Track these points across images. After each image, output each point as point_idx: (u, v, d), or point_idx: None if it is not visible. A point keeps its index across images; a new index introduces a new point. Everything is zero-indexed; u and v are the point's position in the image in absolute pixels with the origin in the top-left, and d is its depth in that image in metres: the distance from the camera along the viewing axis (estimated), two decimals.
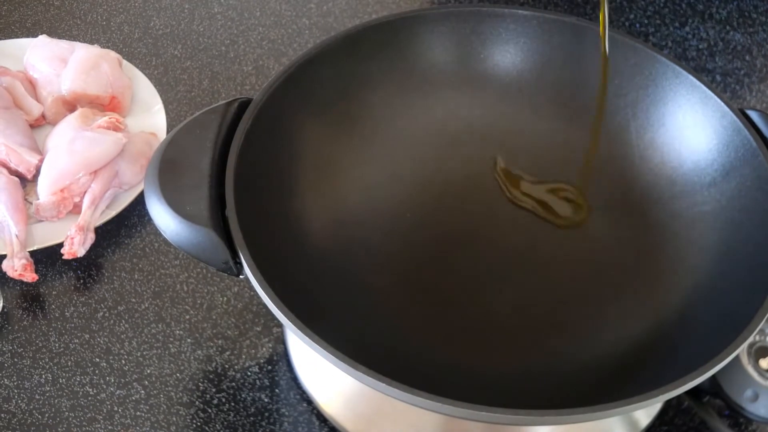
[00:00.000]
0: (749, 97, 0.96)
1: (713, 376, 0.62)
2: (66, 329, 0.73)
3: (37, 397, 0.69)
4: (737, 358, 0.65)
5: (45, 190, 0.78)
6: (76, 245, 0.75)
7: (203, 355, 0.72)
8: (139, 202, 0.80)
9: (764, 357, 0.65)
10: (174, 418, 0.68)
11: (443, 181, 0.75)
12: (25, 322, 0.74)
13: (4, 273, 0.74)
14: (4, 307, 0.74)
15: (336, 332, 0.58)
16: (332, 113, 0.73)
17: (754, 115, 0.67)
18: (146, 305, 0.75)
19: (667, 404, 0.70)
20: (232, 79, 0.95)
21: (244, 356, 0.72)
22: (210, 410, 0.69)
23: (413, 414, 0.64)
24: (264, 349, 0.73)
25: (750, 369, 0.65)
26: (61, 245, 0.76)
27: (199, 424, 0.68)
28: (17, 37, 0.97)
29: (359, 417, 0.67)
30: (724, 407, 0.66)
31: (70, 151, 0.78)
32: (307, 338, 0.53)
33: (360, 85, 0.74)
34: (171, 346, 0.73)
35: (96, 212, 0.78)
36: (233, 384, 0.70)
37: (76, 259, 0.77)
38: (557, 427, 0.66)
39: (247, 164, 0.62)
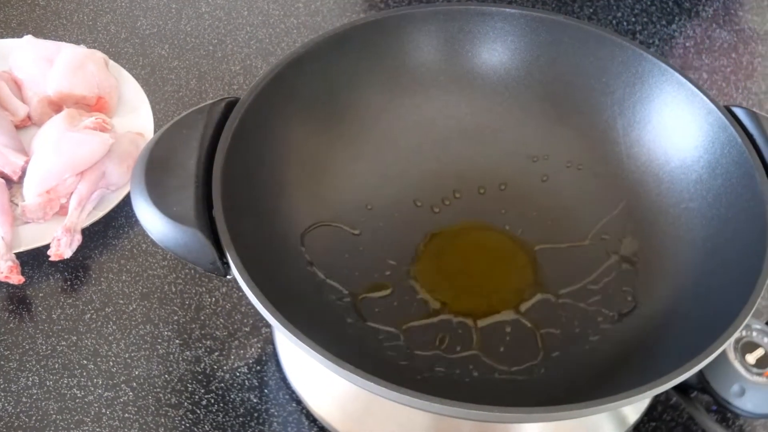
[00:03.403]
0: (735, 94, 0.96)
1: (700, 372, 0.63)
2: (53, 331, 0.73)
3: (24, 399, 0.69)
4: (724, 353, 0.65)
5: (31, 192, 0.77)
6: (62, 247, 0.75)
7: (192, 356, 0.72)
8: (127, 203, 0.80)
9: (751, 352, 0.66)
10: (163, 420, 0.68)
11: (432, 179, 0.75)
12: (11, 325, 0.74)
13: None
14: None
15: (324, 332, 0.58)
16: (320, 113, 0.73)
17: (739, 112, 0.67)
18: (134, 306, 0.75)
19: (656, 400, 0.70)
20: (220, 79, 0.95)
21: (232, 357, 0.72)
22: (199, 411, 0.69)
23: (402, 413, 0.64)
24: (253, 349, 0.72)
25: (737, 364, 0.65)
26: (47, 247, 0.75)
27: (188, 425, 0.68)
28: (2, 37, 0.97)
29: (348, 416, 0.67)
30: (711, 402, 0.66)
31: (57, 152, 0.78)
32: (294, 338, 0.53)
33: (348, 85, 0.74)
34: (159, 347, 0.72)
35: (83, 213, 0.77)
36: (222, 385, 0.70)
37: (62, 261, 0.77)
38: (546, 425, 0.66)
39: (235, 164, 0.62)
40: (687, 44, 1.01)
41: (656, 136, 0.72)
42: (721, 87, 0.97)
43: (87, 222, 0.78)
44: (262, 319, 0.59)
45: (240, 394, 0.70)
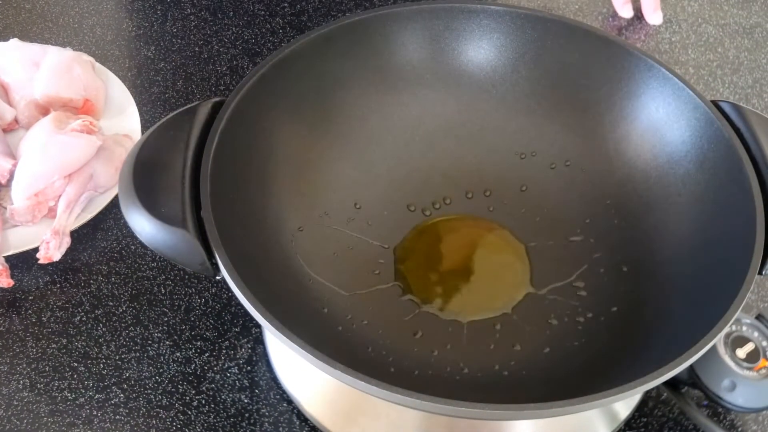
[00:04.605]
0: (722, 88, 0.96)
1: (691, 367, 0.63)
2: (43, 334, 0.73)
3: (15, 403, 0.69)
4: (714, 348, 0.65)
5: (19, 195, 0.77)
6: (51, 249, 0.75)
7: (182, 357, 0.72)
8: (115, 204, 0.80)
9: (741, 347, 0.66)
10: (154, 421, 0.68)
11: (420, 177, 0.75)
12: (1, 328, 0.73)
13: None
14: None
15: (314, 331, 0.58)
16: (307, 112, 0.73)
17: (726, 106, 0.67)
18: (124, 308, 0.75)
19: (646, 395, 0.70)
20: (207, 80, 0.94)
21: (223, 357, 0.72)
22: (190, 412, 0.69)
23: (393, 411, 0.64)
24: (243, 349, 0.72)
25: (727, 359, 0.65)
26: (36, 250, 0.75)
27: (179, 426, 0.68)
28: None
29: (339, 415, 0.67)
30: (702, 397, 0.67)
31: (44, 155, 0.78)
32: (284, 337, 0.53)
33: (334, 84, 0.74)
34: (149, 348, 0.72)
35: (71, 216, 0.77)
36: (213, 385, 0.70)
37: (52, 264, 0.77)
38: (537, 422, 0.66)
39: (222, 164, 0.62)
40: (673, 39, 1.02)
41: (643, 131, 0.72)
42: (707, 82, 0.97)
43: (75, 224, 0.78)
44: (252, 319, 0.59)
45: (231, 395, 0.70)
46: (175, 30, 1.00)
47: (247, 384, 0.70)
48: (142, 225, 0.57)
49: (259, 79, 0.67)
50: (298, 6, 1.03)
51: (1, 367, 0.71)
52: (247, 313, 0.57)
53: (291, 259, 0.67)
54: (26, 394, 0.69)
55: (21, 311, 0.74)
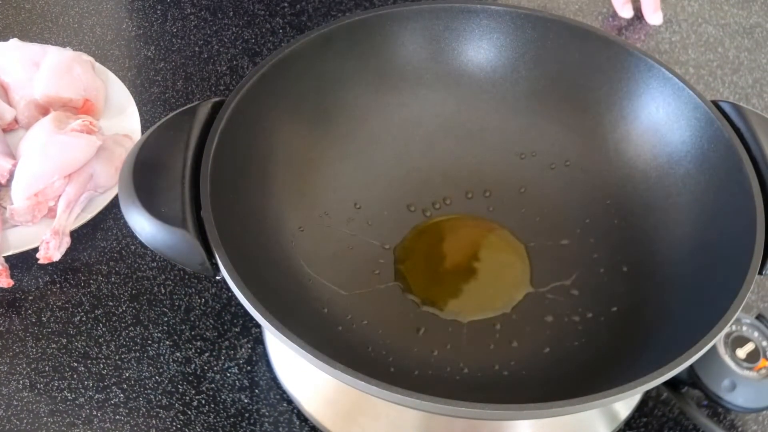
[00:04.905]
0: (722, 88, 0.96)
1: (691, 367, 0.63)
2: (43, 334, 0.73)
3: (15, 403, 0.69)
4: (714, 348, 0.65)
5: (19, 195, 0.77)
6: (51, 249, 0.75)
7: (182, 357, 0.72)
8: (115, 204, 0.80)
9: (741, 347, 0.66)
10: (154, 421, 0.68)
11: (419, 177, 0.75)
12: (1, 328, 0.73)
13: None
14: None
15: (314, 331, 0.58)
16: (307, 112, 0.73)
17: (726, 106, 0.67)
18: (123, 308, 0.75)
19: (647, 396, 0.70)
20: (206, 80, 0.94)
21: (223, 357, 0.72)
22: (190, 412, 0.69)
23: (393, 411, 0.64)
24: (243, 349, 0.72)
25: (727, 359, 0.65)
26: (36, 250, 0.75)
27: (179, 426, 0.68)
28: None
29: (339, 415, 0.67)
30: (702, 398, 0.67)
31: (44, 155, 0.78)
32: (284, 338, 0.53)
33: (334, 84, 0.74)
34: (149, 348, 0.72)
35: (71, 216, 0.77)
36: (213, 385, 0.70)
37: (51, 264, 0.77)
38: (537, 422, 0.66)
39: (222, 164, 0.62)
40: (673, 39, 1.02)
41: (643, 131, 0.72)
42: (707, 82, 0.97)
43: (75, 224, 0.78)
44: (252, 319, 0.59)
45: (231, 395, 0.70)
46: (175, 30, 1.00)
47: (247, 384, 0.70)
48: (142, 225, 0.57)
49: (259, 79, 0.67)
50: (298, 6, 1.03)
51: (1, 367, 0.71)
52: (247, 313, 0.57)
53: (291, 259, 0.67)
54: (26, 394, 0.69)
55: (21, 311, 0.74)
